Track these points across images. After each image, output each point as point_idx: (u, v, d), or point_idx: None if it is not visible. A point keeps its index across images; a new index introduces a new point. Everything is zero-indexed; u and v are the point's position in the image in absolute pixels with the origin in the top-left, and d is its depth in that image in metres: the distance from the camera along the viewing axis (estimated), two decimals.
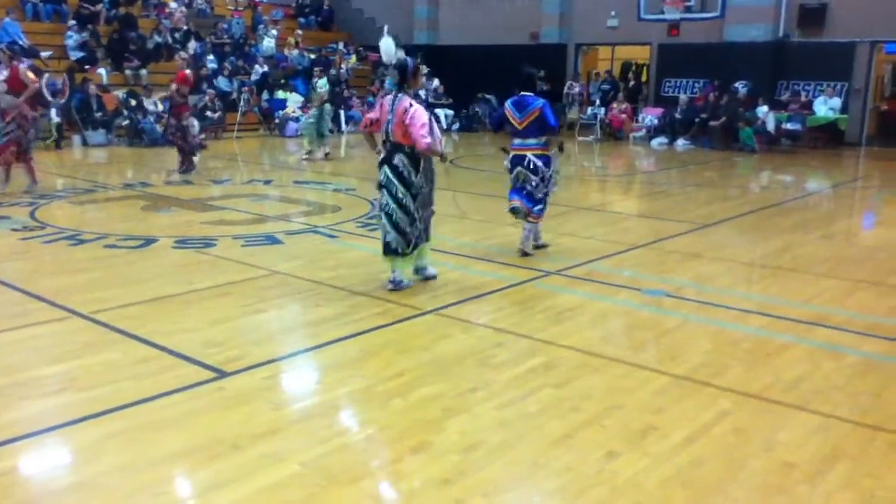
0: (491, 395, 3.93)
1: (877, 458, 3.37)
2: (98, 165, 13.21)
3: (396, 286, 5.73)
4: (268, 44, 21.24)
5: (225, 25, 21.27)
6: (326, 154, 14.13)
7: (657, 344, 4.79)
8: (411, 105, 5.48)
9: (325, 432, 3.51)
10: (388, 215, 5.61)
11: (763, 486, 3.12)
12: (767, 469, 3.25)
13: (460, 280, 6.10)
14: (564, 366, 4.35)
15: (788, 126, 17.02)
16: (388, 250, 5.68)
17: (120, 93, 16.46)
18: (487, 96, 20.83)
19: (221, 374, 4.13)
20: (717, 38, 18.23)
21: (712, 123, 17.16)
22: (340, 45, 22.79)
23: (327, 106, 14.07)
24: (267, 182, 11.48)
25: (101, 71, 17.11)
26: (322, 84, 14.00)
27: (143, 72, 17.51)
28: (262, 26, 22.08)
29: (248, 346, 4.59)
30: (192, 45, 14.15)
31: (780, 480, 3.16)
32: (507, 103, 6.88)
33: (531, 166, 6.72)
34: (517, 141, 6.81)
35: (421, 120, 5.43)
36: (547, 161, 6.80)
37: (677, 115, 18.03)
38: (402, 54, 5.74)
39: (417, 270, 5.98)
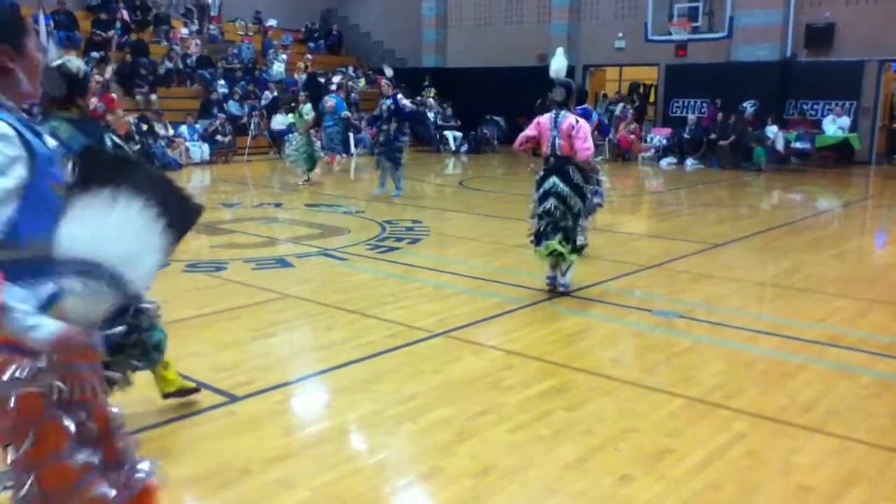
0: (502, 418, 3.91)
1: (895, 481, 3.32)
2: None
3: (555, 285, 6.25)
4: (277, 68, 21.42)
5: (235, 50, 21.47)
6: (307, 180, 13.93)
7: (670, 366, 4.76)
8: (577, 121, 6.03)
9: (335, 457, 3.49)
10: (562, 216, 6.05)
11: None
12: (784, 493, 3.20)
13: (470, 302, 6.09)
14: (576, 388, 4.32)
15: (797, 145, 17.01)
16: (567, 241, 6.09)
17: (131, 118, 16.59)
18: (495, 118, 20.92)
19: (232, 399, 4.12)
20: (725, 58, 18.28)
21: (721, 143, 17.16)
22: (350, 69, 22.97)
23: (312, 131, 13.86)
24: (277, 205, 11.52)
25: (113, 96, 17.25)
26: (307, 110, 13.84)
27: (154, 97, 17.67)
28: (271, 51, 22.29)
29: (258, 370, 4.58)
30: (109, 69, 13.69)
31: None
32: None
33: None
34: None
35: (585, 134, 5.99)
36: None
37: (686, 136, 18.04)
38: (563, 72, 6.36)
39: (559, 283, 6.32)
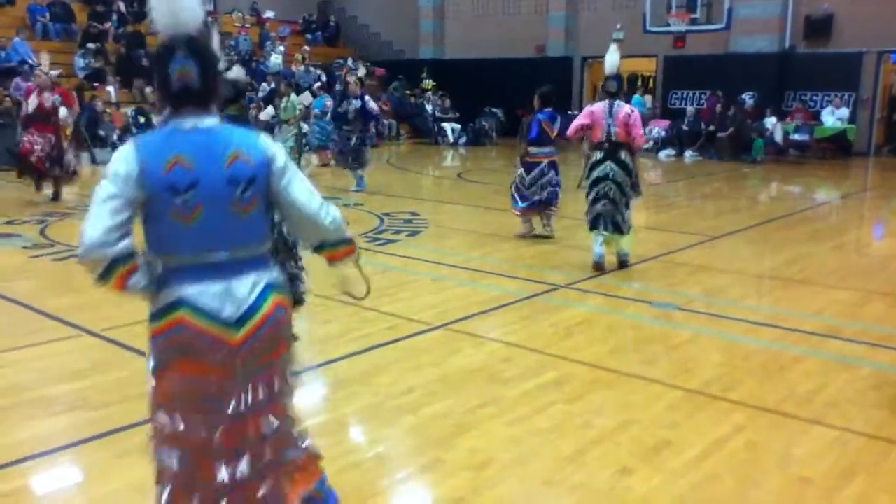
0: (502, 411, 3.91)
1: (893, 473, 3.34)
2: None
3: (599, 267, 6.70)
4: (275, 60, 21.34)
5: (233, 42, 21.39)
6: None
7: (669, 358, 4.76)
8: (633, 110, 6.58)
9: (334, 450, 3.48)
10: (613, 201, 6.57)
11: (779, 503, 3.08)
12: (783, 485, 3.21)
13: (469, 295, 6.09)
14: (575, 381, 4.33)
15: (796, 137, 16.98)
16: (618, 230, 6.67)
17: (128, 110, 16.55)
18: (494, 110, 20.88)
19: None
20: (723, 50, 18.24)
21: (720, 135, 17.14)
22: (349, 61, 22.90)
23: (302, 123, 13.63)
24: None
25: (110, 88, 17.21)
26: (296, 101, 13.50)
27: (149, 89, 17.59)
28: (269, 43, 22.20)
29: None
30: (45, 58, 12.80)
31: (796, 496, 3.12)
32: (543, 117, 7.88)
33: (559, 169, 8.02)
34: (548, 149, 7.89)
35: (640, 122, 6.61)
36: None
37: (684, 127, 18.01)
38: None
39: (621, 254, 6.87)
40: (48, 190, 10.37)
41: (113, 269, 2.15)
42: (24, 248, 7.67)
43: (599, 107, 6.65)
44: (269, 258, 2.34)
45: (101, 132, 15.77)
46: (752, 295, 6.44)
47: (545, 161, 7.86)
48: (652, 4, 18.42)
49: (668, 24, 18.49)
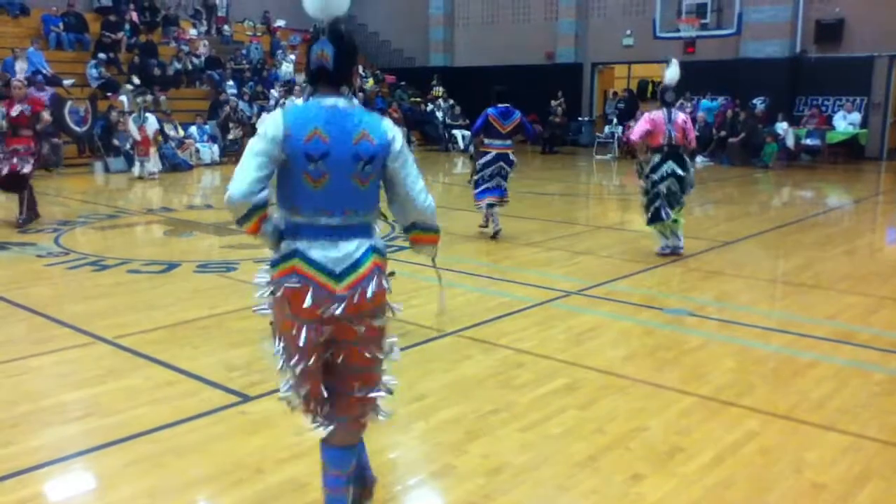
0: (513, 416, 3.91)
1: None
2: (120, 191, 13.36)
3: (665, 251, 7.60)
4: (286, 68, 21.46)
5: (244, 51, 21.52)
6: None
7: (680, 363, 4.75)
8: (687, 117, 7.67)
9: None
10: (674, 194, 7.44)
11: None
12: (797, 490, 3.20)
13: (479, 301, 6.09)
14: (587, 387, 4.32)
15: (808, 141, 16.92)
16: (666, 219, 7.49)
17: None
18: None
19: (244, 399, 4.14)
20: (734, 55, 18.21)
21: (731, 140, 17.09)
22: (360, 69, 23.01)
23: None
24: None
25: (123, 98, 17.33)
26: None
27: (163, 98, 17.72)
28: (280, 51, 22.33)
29: (270, 369, 4.57)
30: (20, 65, 12.12)
31: (810, 502, 3.11)
32: (493, 112, 8.60)
33: (511, 161, 8.59)
34: (498, 142, 8.50)
35: (692, 127, 7.69)
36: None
37: (696, 133, 17.95)
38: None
39: (675, 245, 7.68)
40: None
41: (253, 214, 2.50)
42: (39, 256, 7.72)
43: (659, 114, 7.43)
44: (373, 226, 2.66)
45: (115, 141, 15.88)
46: (765, 300, 6.41)
47: (494, 152, 8.38)
48: (662, 10, 18.43)
49: (678, 30, 18.49)
